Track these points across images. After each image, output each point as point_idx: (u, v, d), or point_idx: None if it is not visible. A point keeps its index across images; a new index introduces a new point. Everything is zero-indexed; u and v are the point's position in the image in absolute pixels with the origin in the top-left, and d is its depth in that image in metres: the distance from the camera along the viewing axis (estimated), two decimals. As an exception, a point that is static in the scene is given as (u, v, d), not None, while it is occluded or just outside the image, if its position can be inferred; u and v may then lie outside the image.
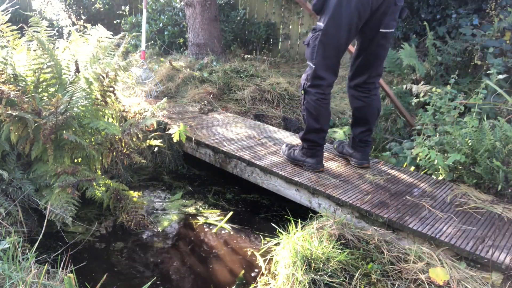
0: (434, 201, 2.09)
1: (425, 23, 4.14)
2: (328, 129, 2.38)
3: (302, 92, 2.27)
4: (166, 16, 6.50)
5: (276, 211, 2.53)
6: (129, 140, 2.30)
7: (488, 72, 2.88)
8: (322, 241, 1.75)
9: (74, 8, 7.73)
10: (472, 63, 4.05)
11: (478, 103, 2.63)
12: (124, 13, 7.53)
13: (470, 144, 2.29)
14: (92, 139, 2.33)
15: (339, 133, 3.70)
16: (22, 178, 2.09)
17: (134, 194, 2.32)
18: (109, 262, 1.95)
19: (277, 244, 1.91)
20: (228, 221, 2.35)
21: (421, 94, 3.08)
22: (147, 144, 2.54)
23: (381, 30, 2.14)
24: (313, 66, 2.16)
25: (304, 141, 2.39)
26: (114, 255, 2.01)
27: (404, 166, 2.70)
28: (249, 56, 6.47)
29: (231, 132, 3.15)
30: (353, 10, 2.01)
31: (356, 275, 1.60)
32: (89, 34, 2.67)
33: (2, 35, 2.32)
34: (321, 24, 2.09)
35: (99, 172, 2.36)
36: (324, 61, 2.14)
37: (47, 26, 2.46)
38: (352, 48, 2.62)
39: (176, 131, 2.66)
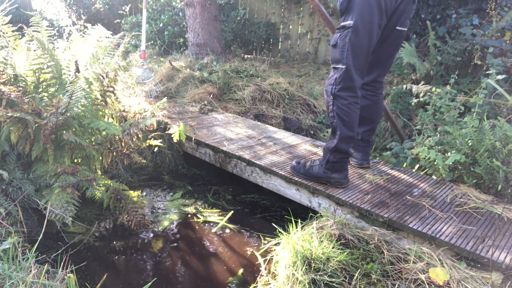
0: (434, 201, 2.09)
1: (427, 22, 4.14)
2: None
3: (331, 97, 2.07)
4: (166, 16, 6.50)
5: (276, 211, 2.53)
6: (129, 140, 2.30)
7: (487, 72, 2.88)
8: (322, 241, 1.75)
9: (74, 8, 7.74)
10: (472, 63, 4.05)
11: (478, 102, 2.63)
12: (124, 13, 7.54)
13: (470, 144, 2.29)
14: (92, 139, 2.33)
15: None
16: (22, 178, 2.09)
17: (134, 194, 2.32)
18: (109, 262, 1.95)
19: (277, 244, 1.91)
20: (228, 221, 2.35)
21: (421, 94, 3.08)
22: (147, 144, 2.54)
23: (397, 27, 2.10)
24: (343, 67, 2.00)
25: (336, 153, 2.12)
26: (114, 255, 2.01)
27: (404, 166, 2.70)
28: (249, 56, 6.47)
29: (231, 132, 3.15)
30: (381, 5, 1.93)
31: (356, 275, 1.60)
32: (89, 34, 2.67)
33: (2, 35, 2.32)
34: (349, 22, 1.95)
35: (99, 172, 2.36)
36: (354, 61, 1.99)
37: (47, 26, 2.46)
38: None
39: (176, 131, 2.66)
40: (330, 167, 2.16)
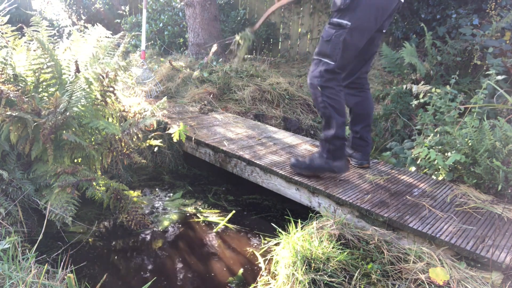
0: (434, 201, 2.09)
1: (422, 24, 4.15)
2: None
3: (319, 89, 2.13)
4: (166, 16, 6.50)
5: (276, 211, 2.53)
6: (129, 140, 2.30)
7: (487, 73, 2.88)
8: (322, 241, 1.75)
9: (74, 8, 7.74)
10: (472, 63, 4.05)
11: (479, 105, 2.63)
12: (124, 13, 7.53)
13: (470, 144, 2.29)
14: (92, 139, 2.33)
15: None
16: (22, 178, 2.08)
17: (134, 194, 2.32)
18: (109, 262, 1.95)
19: (277, 244, 1.91)
20: (229, 221, 2.35)
21: (421, 95, 3.08)
22: (147, 144, 2.54)
23: (384, 31, 2.23)
24: (332, 63, 2.08)
25: (335, 140, 2.18)
26: (114, 255, 2.01)
27: (407, 167, 2.70)
28: (249, 56, 6.47)
29: (231, 132, 3.15)
30: (379, 12, 2.02)
31: (356, 275, 1.60)
32: (89, 34, 2.66)
33: (2, 35, 2.31)
34: (346, 22, 2.00)
35: (99, 172, 2.36)
36: (343, 59, 2.09)
37: (47, 26, 2.46)
38: None
39: (176, 130, 2.66)
40: (331, 156, 2.21)
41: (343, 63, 2.10)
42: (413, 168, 2.64)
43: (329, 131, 2.18)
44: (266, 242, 2.08)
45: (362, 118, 2.44)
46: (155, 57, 5.90)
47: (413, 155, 2.65)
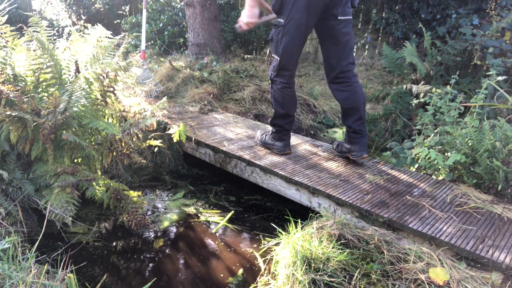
0: (434, 201, 2.09)
1: (420, 25, 4.14)
2: (294, 114, 2.61)
3: (270, 82, 2.53)
4: (166, 16, 6.49)
5: (277, 211, 2.53)
6: (129, 140, 2.30)
7: (487, 73, 2.88)
8: (322, 241, 1.75)
9: (74, 8, 7.73)
10: (472, 63, 4.05)
11: (479, 104, 2.63)
12: (124, 13, 7.54)
13: (470, 144, 2.29)
14: (92, 139, 2.33)
15: (339, 133, 3.70)
16: (22, 178, 2.08)
17: (134, 194, 2.32)
18: (109, 262, 1.95)
19: (277, 244, 1.91)
20: (229, 221, 2.35)
21: (421, 95, 3.08)
22: (147, 144, 2.54)
23: (339, 18, 2.29)
24: (278, 59, 2.39)
25: (273, 126, 2.66)
26: (114, 255, 2.01)
27: (410, 168, 2.70)
28: (249, 56, 6.47)
29: (231, 132, 3.15)
30: (309, 9, 2.21)
31: (356, 275, 1.60)
32: (89, 34, 2.66)
33: (1, 35, 2.31)
34: (281, 20, 2.30)
35: (99, 172, 2.36)
36: (287, 54, 2.36)
37: (47, 26, 2.45)
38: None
39: (176, 131, 2.66)
40: (274, 136, 2.68)
41: (288, 57, 2.37)
42: (413, 168, 2.64)
43: (272, 118, 2.63)
44: (266, 242, 2.08)
45: (352, 112, 2.44)
46: (155, 57, 5.90)
47: (413, 155, 2.65)
